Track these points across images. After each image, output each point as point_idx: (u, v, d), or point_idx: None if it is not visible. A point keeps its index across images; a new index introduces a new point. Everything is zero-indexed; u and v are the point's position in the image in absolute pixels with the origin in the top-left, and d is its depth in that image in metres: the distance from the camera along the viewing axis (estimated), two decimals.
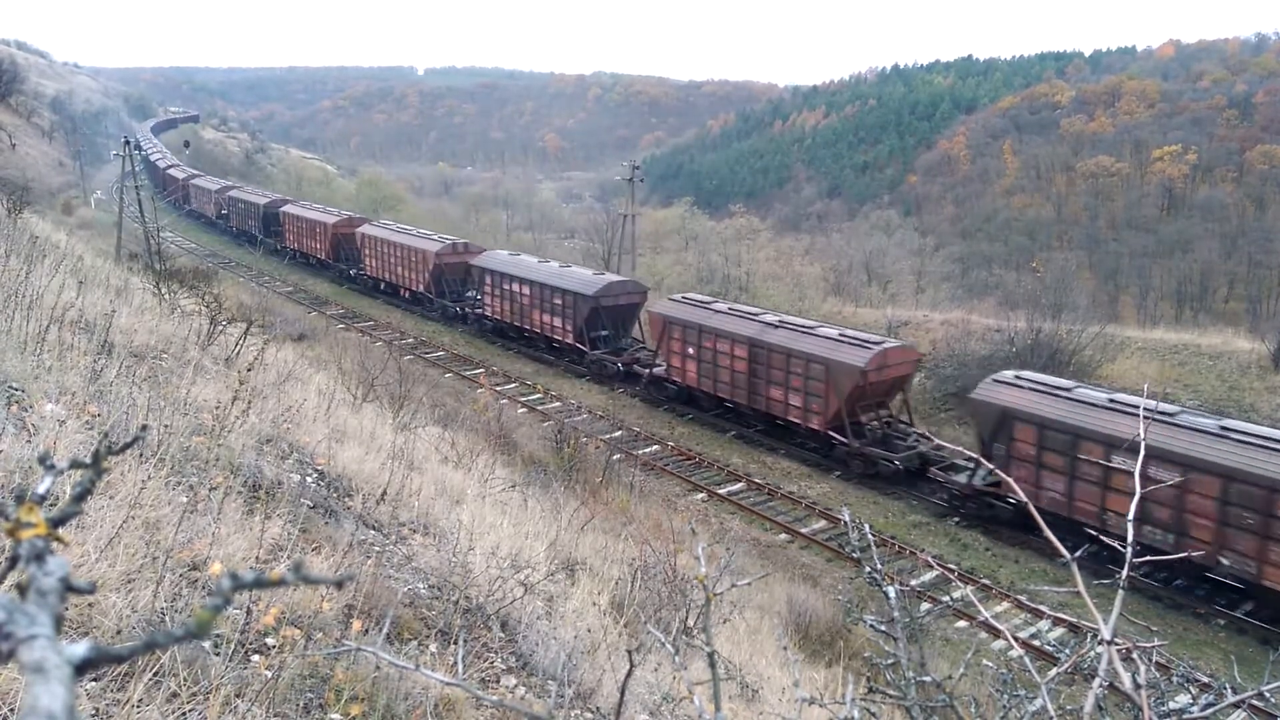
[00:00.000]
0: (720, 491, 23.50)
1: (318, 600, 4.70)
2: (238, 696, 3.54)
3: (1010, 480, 2.60)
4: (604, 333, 33.05)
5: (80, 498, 0.91)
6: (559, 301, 33.72)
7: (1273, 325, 38.59)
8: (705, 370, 27.95)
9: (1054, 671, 2.44)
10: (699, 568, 2.21)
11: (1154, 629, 16.21)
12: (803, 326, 26.51)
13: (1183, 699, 2.58)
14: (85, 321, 8.72)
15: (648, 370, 30.64)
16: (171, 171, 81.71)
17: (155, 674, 3.40)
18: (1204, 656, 16.34)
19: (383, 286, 45.70)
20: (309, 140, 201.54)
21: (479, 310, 39.04)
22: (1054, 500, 19.51)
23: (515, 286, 35.92)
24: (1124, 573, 2.36)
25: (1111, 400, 19.39)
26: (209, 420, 6.76)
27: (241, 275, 49.57)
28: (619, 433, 25.84)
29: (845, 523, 3.02)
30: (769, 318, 27.44)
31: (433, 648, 5.21)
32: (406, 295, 43.68)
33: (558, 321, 33.99)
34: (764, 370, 26.00)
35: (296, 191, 77.71)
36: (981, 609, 3.11)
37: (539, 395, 30.78)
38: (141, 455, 5.24)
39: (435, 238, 42.97)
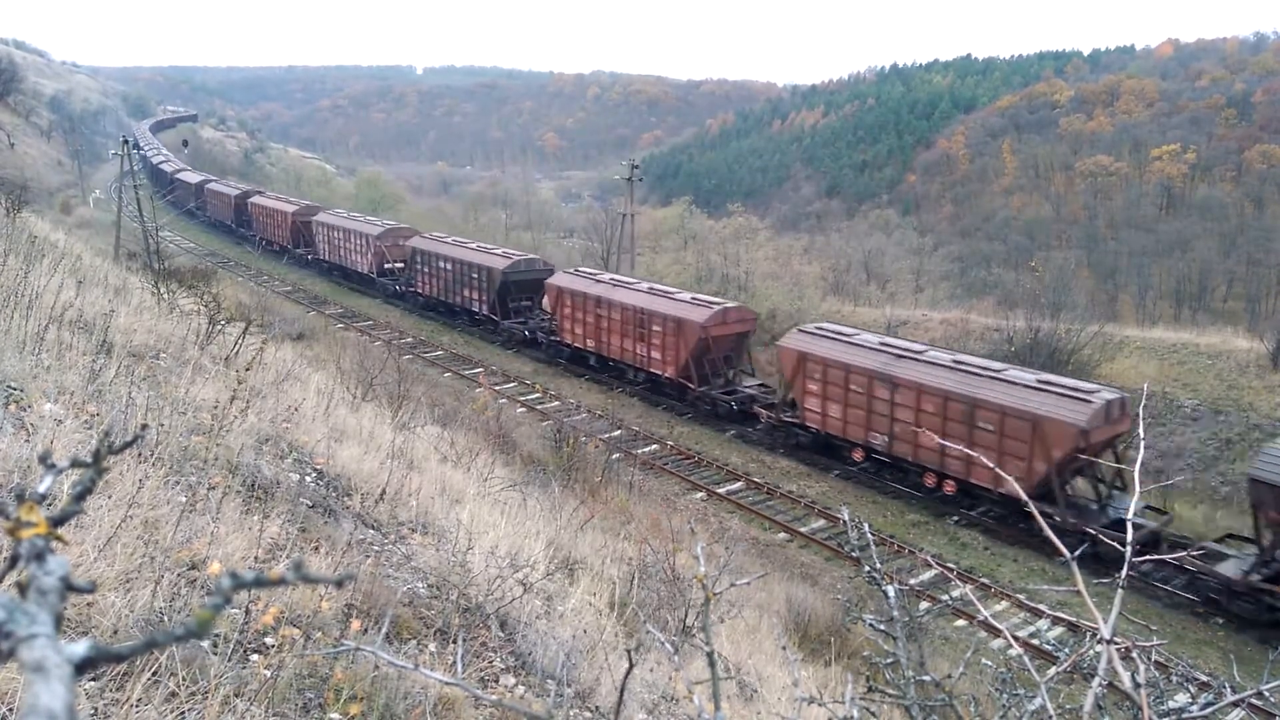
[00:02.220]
0: (719, 491, 23.51)
1: (317, 599, 4.70)
2: (236, 696, 3.54)
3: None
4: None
5: (80, 497, 0.91)
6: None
7: (1271, 324, 38.63)
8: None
9: (1053, 670, 2.44)
10: (698, 567, 2.21)
11: (1153, 628, 16.22)
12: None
13: (1182, 698, 2.58)
14: (84, 321, 8.71)
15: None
16: (262, 201, 58.97)
17: (154, 673, 3.40)
18: (1203, 656, 16.37)
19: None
20: (308, 140, 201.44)
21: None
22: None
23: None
24: (1123, 572, 2.36)
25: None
26: (208, 420, 6.76)
27: (240, 274, 49.57)
28: (618, 432, 25.85)
29: (844, 522, 3.02)
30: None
31: (432, 647, 5.20)
32: None
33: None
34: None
35: (296, 190, 77.44)
36: (980, 608, 3.11)
37: (538, 394, 30.78)
38: (140, 454, 5.24)
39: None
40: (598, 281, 32.45)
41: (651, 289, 30.93)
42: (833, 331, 25.23)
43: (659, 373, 29.50)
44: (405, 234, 44.75)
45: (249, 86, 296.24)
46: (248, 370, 7.40)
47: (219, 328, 12.57)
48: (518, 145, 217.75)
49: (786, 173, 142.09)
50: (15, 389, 5.63)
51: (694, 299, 29.40)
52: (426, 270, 40.67)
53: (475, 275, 37.37)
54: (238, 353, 11.31)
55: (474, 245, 40.41)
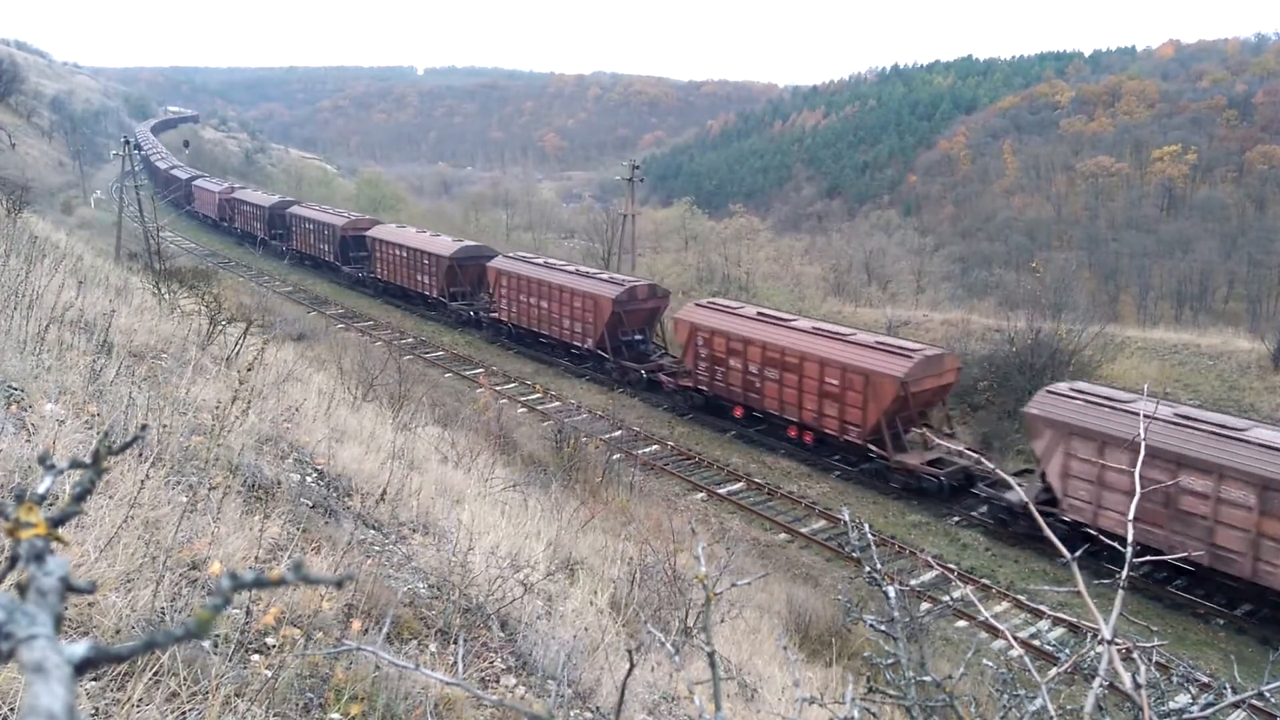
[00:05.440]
0: (720, 491, 23.51)
1: (317, 600, 4.70)
2: (237, 696, 3.54)
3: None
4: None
5: (80, 497, 0.91)
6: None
7: (1272, 325, 38.61)
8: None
9: (1054, 671, 2.44)
10: (699, 567, 2.21)
11: (1154, 629, 16.16)
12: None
13: (1183, 699, 2.58)
14: (85, 321, 8.71)
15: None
16: (303, 212, 54.46)
17: (155, 673, 3.40)
18: (1204, 656, 16.36)
19: None
20: (309, 140, 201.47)
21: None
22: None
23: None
24: (1124, 573, 2.36)
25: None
26: (208, 420, 6.76)
27: (241, 275, 49.59)
28: (619, 432, 25.83)
29: (845, 522, 3.01)
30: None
31: (432, 647, 5.20)
32: None
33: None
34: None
35: (297, 191, 77.45)
36: (981, 609, 3.11)
37: (539, 395, 30.79)
38: (141, 455, 5.24)
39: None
40: (741, 316, 27.65)
41: (816, 328, 26.00)
42: (1098, 396, 19.82)
43: (834, 434, 24.54)
44: (483, 253, 40.48)
45: (250, 87, 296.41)
46: (249, 370, 7.41)
47: (220, 328, 12.58)
48: (518, 146, 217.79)
49: (787, 173, 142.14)
50: (16, 389, 5.63)
51: (879, 343, 24.43)
52: (511, 295, 36.11)
53: (579, 304, 32.65)
54: (238, 353, 11.32)
55: (571, 269, 35.28)
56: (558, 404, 29.63)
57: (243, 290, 38.19)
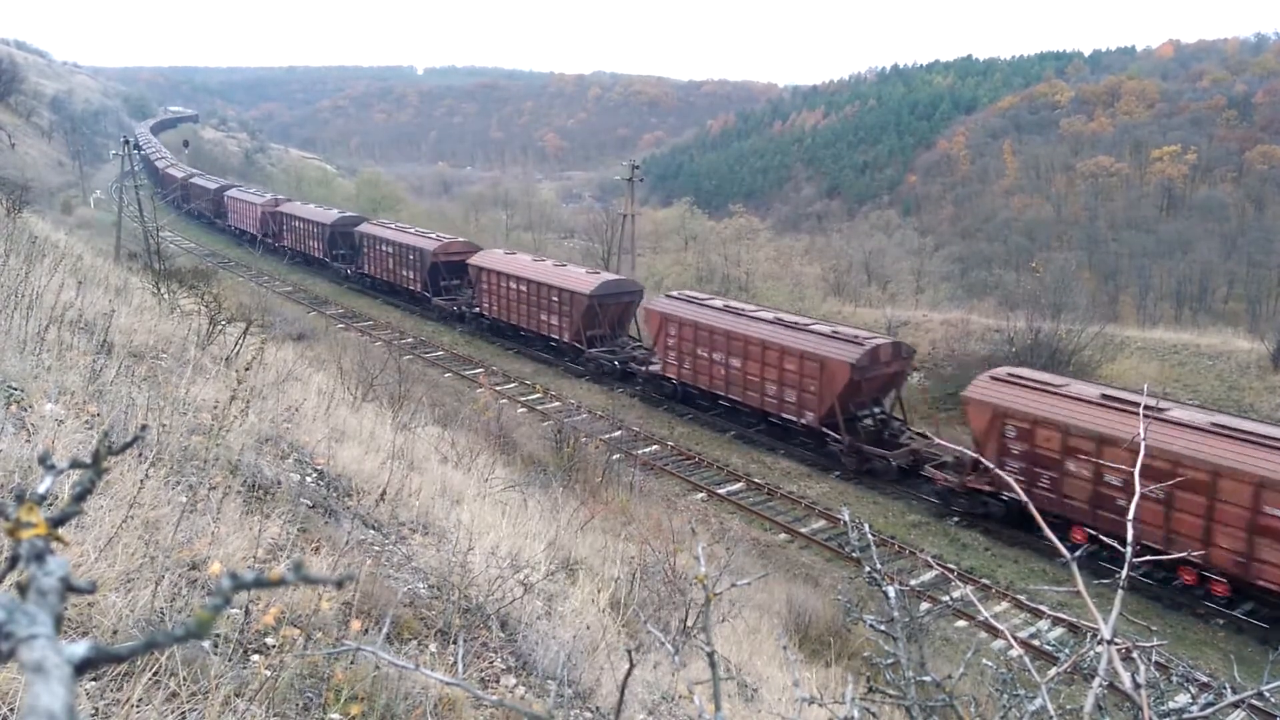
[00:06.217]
0: (720, 491, 23.51)
1: (317, 600, 4.70)
2: (237, 696, 3.54)
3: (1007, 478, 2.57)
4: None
5: (80, 497, 0.91)
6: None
7: (1272, 325, 38.65)
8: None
9: (1054, 671, 2.44)
10: (699, 567, 2.21)
11: (1154, 629, 16.12)
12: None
13: (1182, 698, 2.58)
14: (84, 321, 8.71)
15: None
16: (376, 230, 46.61)
17: (154, 674, 3.40)
18: (1203, 656, 16.37)
19: None
20: (309, 140, 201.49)
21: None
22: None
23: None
24: (1124, 572, 2.36)
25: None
26: (208, 420, 6.75)
27: (240, 274, 49.58)
28: (619, 432, 25.83)
29: (845, 522, 3.01)
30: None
31: (432, 647, 5.20)
32: None
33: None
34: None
35: (297, 191, 77.42)
36: (981, 609, 3.11)
37: (539, 395, 30.79)
38: (141, 455, 5.24)
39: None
40: (1074, 399, 19.93)
41: (1217, 425, 17.84)
42: None
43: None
44: (626, 288, 34.55)
45: (250, 87, 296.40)
46: (247, 370, 7.40)
47: (219, 328, 12.58)
48: (518, 146, 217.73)
49: (787, 173, 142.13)
50: (16, 389, 5.63)
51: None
52: (684, 347, 28.92)
53: (794, 367, 25.12)
54: (238, 353, 11.32)
55: (770, 316, 27.75)
56: (557, 404, 29.62)
57: (242, 290, 38.20)
